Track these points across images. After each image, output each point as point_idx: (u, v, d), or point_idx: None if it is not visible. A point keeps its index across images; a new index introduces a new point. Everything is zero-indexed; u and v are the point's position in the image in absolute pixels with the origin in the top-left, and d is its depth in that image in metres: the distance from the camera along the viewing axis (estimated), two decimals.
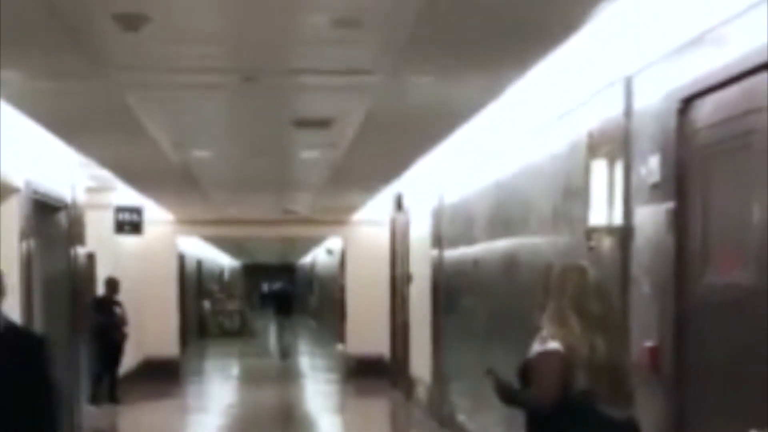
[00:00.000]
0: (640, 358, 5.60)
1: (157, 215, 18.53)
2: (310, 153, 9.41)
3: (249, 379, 21.28)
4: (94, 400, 14.70)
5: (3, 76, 6.55)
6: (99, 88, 6.68)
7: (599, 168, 6.14)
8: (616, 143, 6.03)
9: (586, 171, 6.29)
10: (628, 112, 5.91)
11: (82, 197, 12.75)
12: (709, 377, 4.92)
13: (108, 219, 15.58)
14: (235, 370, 23.12)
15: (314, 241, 29.82)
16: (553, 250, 7.49)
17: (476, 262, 10.22)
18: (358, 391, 17.99)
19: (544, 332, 4.44)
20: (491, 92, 6.55)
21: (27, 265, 9.97)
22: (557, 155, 7.37)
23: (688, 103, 5.10)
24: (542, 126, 7.67)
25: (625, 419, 4.36)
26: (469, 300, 10.76)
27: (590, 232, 6.29)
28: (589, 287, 4.42)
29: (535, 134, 7.94)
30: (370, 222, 18.83)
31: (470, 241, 10.65)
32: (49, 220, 11.76)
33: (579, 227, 6.58)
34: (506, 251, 8.99)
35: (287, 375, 21.09)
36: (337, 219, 19.23)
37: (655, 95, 5.51)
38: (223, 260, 44.67)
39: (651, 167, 5.53)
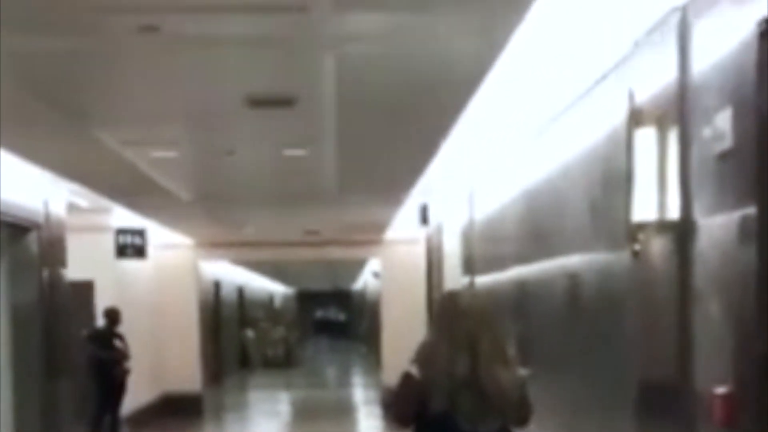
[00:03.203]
0: (709, 408, 3.82)
1: (173, 239, 17.07)
2: (295, 150, 7.72)
3: (285, 414, 19.57)
4: None
5: None
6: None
7: (645, 140, 4.36)
8: (667, 102, 4.26)
9: (629, 148, 4.51)
10: (683, 55, 4.13)
11: (61, 216, 11.20)
12: None
13: (108, 243, 14.02)
14: (272, 404, 21.38)
15: (357, 264, 28.12)
16: (587, 266, 5.74)
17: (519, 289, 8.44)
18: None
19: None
20: (488, 40, 4.74)
21: None
22: (593, 137, 5.60)
23: None
24: (571, 100, 5.91)
25: None
26: None
27: (635, 231, 4.50)
28: (460, 311, 4.49)
29: (562, 114, 6.19)
30: (405, 241, 17.10)
31: (502, 265, 8.87)
32: (13, 241, 10.23)
33: (621, 227, 4.80)
34: (542, 275, 7.24)
35: (328, 409, 19.39)
36: (369, 239, 17.49)
37: (724, 22, 3.73)
38: (273, 287, 43.22)
39: (719, 128, 3.74)
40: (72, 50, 5.08)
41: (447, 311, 4.57)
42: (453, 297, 4.87)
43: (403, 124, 6.84)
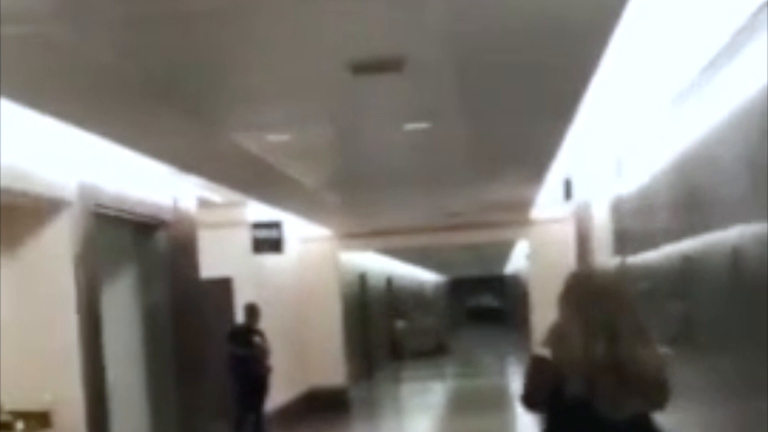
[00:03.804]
0: None
1: (312, 231, 16.77)
2: (416, 124, 7.09)
3: (437, 407, 18.94)
4: None
5: None
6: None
7: None
8: None
9: None
10: None
11: (191, 212, 10.90)
12: None
13: (245, 237, 13.70)
14: (423, 396, 20.81)
15: (506, 247, 27.35)
16: (752, 238, 4.96)
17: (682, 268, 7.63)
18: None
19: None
20: None
21: (88, 298, 8.08)
22: (749, 88, 4.81)
23: None
24: (721, 45, 5.13)
25: (629, 420, 4.12)
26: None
27: None
28: (595, 290, 4.26)
29: (712, 65, 5.40)
30: (552, 219, 16.26)
31: (658, 241, 8.05)
32: (142, 241, 9.93)
33: None
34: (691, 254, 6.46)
35: (482, 401, 18.73)
36: (514, 219, 16.68)
37: None
38: (422, 276, 42.79)
39: None
40: (163, 18, 4.65)
41: (580, 291, 4.26)
42: (586, 276, 4.75)
43: (534, 82, 6.11)
